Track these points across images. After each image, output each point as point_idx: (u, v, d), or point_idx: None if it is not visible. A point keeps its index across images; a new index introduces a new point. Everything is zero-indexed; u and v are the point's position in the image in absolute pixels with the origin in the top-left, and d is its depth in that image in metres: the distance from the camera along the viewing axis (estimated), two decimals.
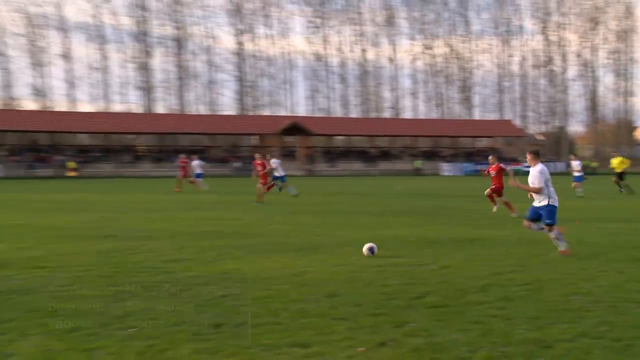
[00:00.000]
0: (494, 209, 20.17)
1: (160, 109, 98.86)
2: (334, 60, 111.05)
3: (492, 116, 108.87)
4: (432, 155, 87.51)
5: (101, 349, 5.78)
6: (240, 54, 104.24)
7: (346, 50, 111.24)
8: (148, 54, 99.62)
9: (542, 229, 11.41)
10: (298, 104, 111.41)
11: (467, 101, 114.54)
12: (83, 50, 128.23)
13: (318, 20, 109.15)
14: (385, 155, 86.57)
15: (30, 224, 16.81)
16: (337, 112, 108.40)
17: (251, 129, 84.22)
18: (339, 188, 40.09)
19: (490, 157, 21.20)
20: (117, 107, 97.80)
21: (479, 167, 79.90)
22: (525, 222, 11.67)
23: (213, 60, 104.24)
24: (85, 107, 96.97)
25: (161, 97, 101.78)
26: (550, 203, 11.21)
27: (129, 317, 6.86)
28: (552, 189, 11.31)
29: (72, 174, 65.62)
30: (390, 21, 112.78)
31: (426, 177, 68.91)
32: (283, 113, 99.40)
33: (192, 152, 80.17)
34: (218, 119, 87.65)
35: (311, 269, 9.95)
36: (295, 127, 79.83)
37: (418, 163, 79.63)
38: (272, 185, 27.77)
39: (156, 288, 8.40)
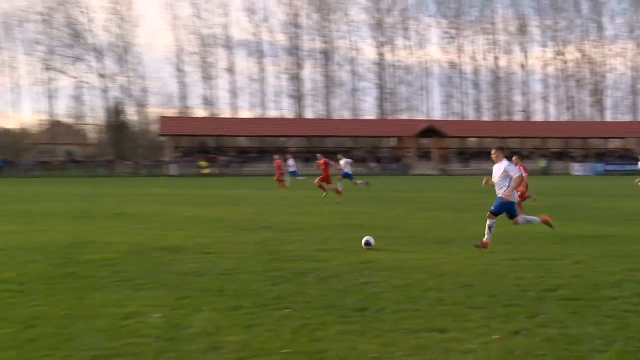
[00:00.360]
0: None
1: (309, 114, 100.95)
2: (468, 68, 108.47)
3: (626, 118, 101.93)
4: (562, 156, 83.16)
5: (260, 326, 5.95)
6: (381, 64, 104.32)
7: (479, 58, 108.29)
8: (299, 66, 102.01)
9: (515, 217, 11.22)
10: (433, 109, 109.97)
11: (598, 104, 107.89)
12: (244, 64, 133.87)
13: (453, 31, 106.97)
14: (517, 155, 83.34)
15: (199, 216, 17.68)
16: (470, 116, 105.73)
17: (390, 132, 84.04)
18: (472, 186, 39.08)
19: (514, 157, 18.42)
20: (272, 114, 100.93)
21: (609, 167, 75.10)
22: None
23: (356, 70, 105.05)
24: (245, 113, 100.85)
25: (310, 104, 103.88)
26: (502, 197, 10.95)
27: (283, 300, 7.02)
28: (512, 184, 10.92)
29: (206, 171, 67.44)
30: (522, 30, 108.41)
31: (555, 176, 65.62)
32: (419, 117, 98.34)
33: (336, 152, 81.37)
34: (360, 123, 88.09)
35: (447, 260, 9.76)
36: (431, 130, 78.71)
37: (543, 163, 75.71)
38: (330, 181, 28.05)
39: (307, 274, 8.57)
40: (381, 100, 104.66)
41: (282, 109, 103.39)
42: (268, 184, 41.08)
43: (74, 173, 66.28)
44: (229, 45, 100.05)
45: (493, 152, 11.33)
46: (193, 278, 8.29)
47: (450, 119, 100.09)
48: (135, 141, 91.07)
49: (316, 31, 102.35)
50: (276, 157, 36.17)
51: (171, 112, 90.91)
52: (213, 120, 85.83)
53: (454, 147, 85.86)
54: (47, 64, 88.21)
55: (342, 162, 29.30)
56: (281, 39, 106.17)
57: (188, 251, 10.69)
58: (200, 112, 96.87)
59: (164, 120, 79.98)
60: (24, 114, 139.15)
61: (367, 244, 11.04)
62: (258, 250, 10.80)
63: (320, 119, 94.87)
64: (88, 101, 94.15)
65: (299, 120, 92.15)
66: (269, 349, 5.29)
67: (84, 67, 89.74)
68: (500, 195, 11.05)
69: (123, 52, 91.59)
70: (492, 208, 11.02)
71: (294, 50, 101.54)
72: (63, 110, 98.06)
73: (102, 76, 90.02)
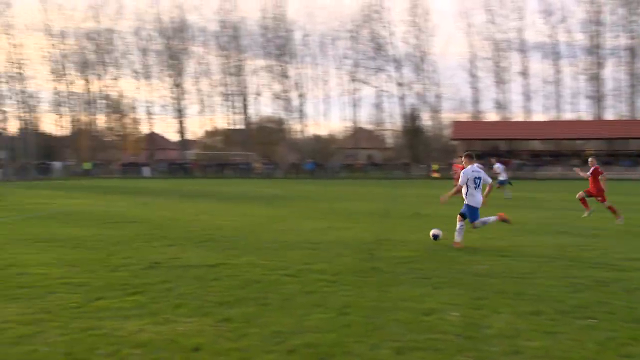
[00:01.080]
0: (585, 214, 17.14)
1: (609, 115, 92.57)
2: None
3: None
4: None
5: (562, 334, 5.62)
6: None
7: None
8: (600, 65, 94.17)
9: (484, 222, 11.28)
10: None
11: None
12: (539, 66, 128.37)
13: None
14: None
15: None
16: None
17: None
18: None
19: (590, 160, 17.53)
20: (568, 116, 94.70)
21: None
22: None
23: None
24: (538, 116, 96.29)
25: (611, 105, 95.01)
26: (466, 203, 11.17)
27: (585, 308, 6.55)
28: (472, 190, 11.13)
29: (436, 175, 64.95)
30: None
31: None
32: None
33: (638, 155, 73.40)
34: None
35: None
36: None
37: None
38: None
39: (609, 283, 7.86)
40: None
41: (578, 110, 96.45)
42: (563, 187, 38.79)
43: (374, 175, 70.28)
44: (522, 49, 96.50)
45: (463, 158, 11.48)
46: (489, 279, 8.16)
47: None
48: (428, 145, 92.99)
49: (621, 27, 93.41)
50: (456, 160, 32.63)
51: (463, 117, 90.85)
52: (505, 124, 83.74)
53: None
54: (352, 76, 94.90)
55: (496, 166, 26.82)
56: (579, 38, 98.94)
57: (483, 252, 10.57)
58: (492, 116, 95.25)
59: (456, 124, 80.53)
60: (332, 121, 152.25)
61: (435, 236, 11.25)
62: (555, 255, 10.24)
63: (622, 119, 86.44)
64: (387, 108, 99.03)
65: (598, 121, 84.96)
66: (573, 358, 4.96)
67: (384, 77, 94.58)
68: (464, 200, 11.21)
69: (419, 61, 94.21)
70: (462, 209, 11.17)
71: (593, 49, 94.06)
72: (365, 117, 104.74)
73: (400, 84, 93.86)
